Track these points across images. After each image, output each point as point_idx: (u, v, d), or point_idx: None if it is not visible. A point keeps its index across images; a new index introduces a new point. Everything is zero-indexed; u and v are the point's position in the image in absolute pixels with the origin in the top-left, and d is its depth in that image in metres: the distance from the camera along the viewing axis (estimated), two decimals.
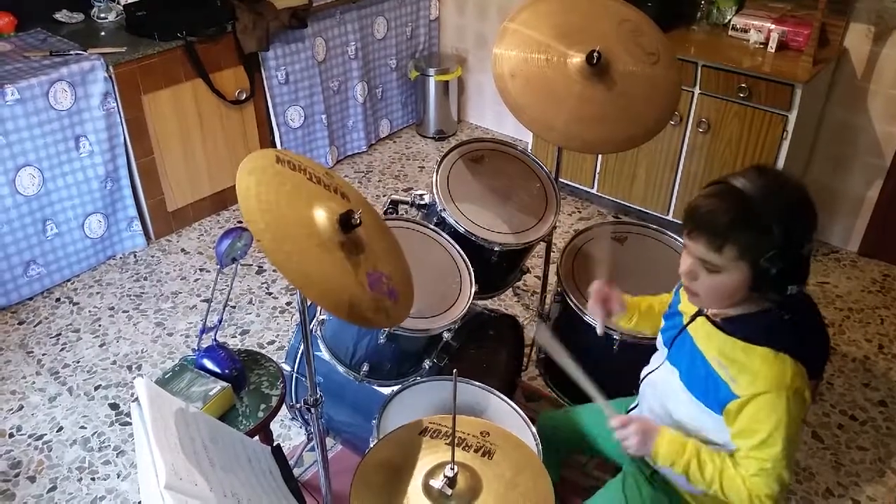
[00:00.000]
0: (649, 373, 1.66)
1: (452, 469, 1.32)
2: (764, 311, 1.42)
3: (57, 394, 2.74)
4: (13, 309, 3.14)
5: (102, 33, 3.33)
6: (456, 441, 1.42)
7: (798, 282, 1.36)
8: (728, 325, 1.45)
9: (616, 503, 1.71)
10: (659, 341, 1.67)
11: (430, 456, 1.41)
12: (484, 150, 2.36)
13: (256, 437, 1.91)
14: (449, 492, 1.31)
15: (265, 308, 3.15)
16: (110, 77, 3.09)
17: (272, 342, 2.97)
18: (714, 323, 1.48)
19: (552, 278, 2.46)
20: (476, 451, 1.42)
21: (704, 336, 1.50)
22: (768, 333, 1.40)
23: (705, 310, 1.52)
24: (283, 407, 2.03)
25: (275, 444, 1.73)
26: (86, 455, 2.51)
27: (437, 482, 1.32)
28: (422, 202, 2.26)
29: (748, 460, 1.42)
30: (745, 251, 1.33)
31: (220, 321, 2.06)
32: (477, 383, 1.92)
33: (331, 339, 2.06)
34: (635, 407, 1.73)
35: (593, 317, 1.82)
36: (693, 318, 1.55)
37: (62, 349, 2.95)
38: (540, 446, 1.74)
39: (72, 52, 3.07)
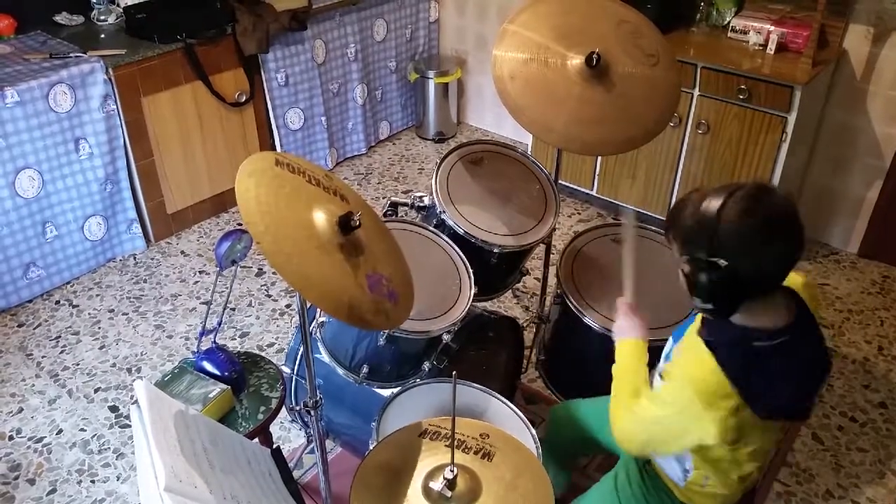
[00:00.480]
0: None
1: (452, 471, 1.31)
2: (743, 330, 1.40)
3: (56, 396, 2.74)
4: (13, 311, 3.14)
5: (102, 35, 3.33)
6: (455, 443, 1.42)
7: (730, 302, 1.37)
8: (705, 322, 1.47)
9: (608, 497, 1.72)
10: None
11: (430, 458, 1.41)
12: (483, 151, 2.36)
13: (256, 440, 1.90)
14: (449, 494, 1.31)
15: (265, 310, 3.15)
16: (110, 79, 3.10)
17: (272, 344, 2.97)
18: (703, 319, 1.50)
19: (552, 280, 2.46)
20: (476, 453, 1.42)
21: (693, 326, 1.52)
22: (725, 348, 1.37)
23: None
24: (283, 409, 2.03)
25: (274, 446, 1.73)
26: (85, 457, 2.50)
27: (437, 484, 1.32)
28: (421, 204, 2.26)
29: (635, 398, 1.53)
30: (681, 250, 1.40)
31: (219, 323, 2.06)
32: (477, 385, 1.92)
33: (330, 342, 2.06)
34: None
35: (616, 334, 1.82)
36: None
37: (62, 352, 2.94)
38: (540, 448, 1.74)
39: (71, 55, 3.07)
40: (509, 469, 1.39)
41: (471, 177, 2.28)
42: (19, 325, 3.08)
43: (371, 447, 1.56)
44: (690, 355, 1.42)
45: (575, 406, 1.99)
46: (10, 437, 2.58)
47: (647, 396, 1.51)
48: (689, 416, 1.38)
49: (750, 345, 1.38)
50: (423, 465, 1.39)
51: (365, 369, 2.01)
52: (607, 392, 1.92)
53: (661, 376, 1.52)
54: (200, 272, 3.39)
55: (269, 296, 3.23)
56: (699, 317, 1.52)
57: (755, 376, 1.36)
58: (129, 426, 2.60)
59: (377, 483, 1.38)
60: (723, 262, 1.32)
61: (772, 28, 3.13)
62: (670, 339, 1.65)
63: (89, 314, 3.14)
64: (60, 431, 2.60)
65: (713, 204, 1.34)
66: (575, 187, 3.78)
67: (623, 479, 1.72)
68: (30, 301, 3.20)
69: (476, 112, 4.66)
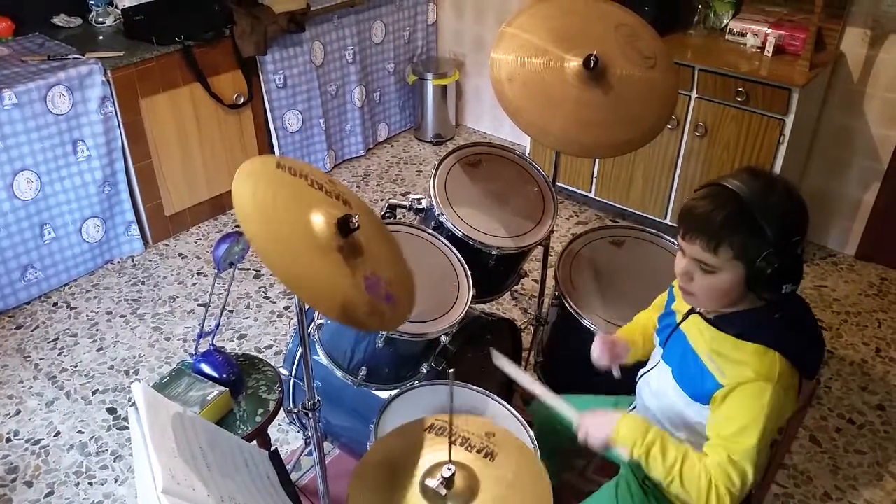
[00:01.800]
0: (646, 372, 1.67)
1: (450, 469, 1.32)
2: (757, 310, 1.44)
3: (54, 398, 2.73)
4: (10, 313, 3.14)
5: (100, 37, 3.34)
6: (459, 441, 1.42)
7: (792, 281, 1.38)
8: (721, 322, 1.47)
9: None
10: (654, 340, 1.68)
11: (432, 454, 1.41)
12: (481, 154, 2.36)
13: (254, 442, 1.90)
14: (444, 492, 1.31)
15: (263, 312, 3.15)
16: (108, 81, 3.10)
17: (270, 346, 2.97)
18: (707, 320, 1.50)
19: (550, 282, 2.47)
20: (479, 451, 1.42)
21: (697, 333, 1.51)
22: (760, 330, 1.42)
23: (698, 308, 1.54)
24: (281, 411, 2.03)
25: (272, 448, 1.72)
26: (83, 460, 2.50)
27: (433, 481, 1.32)
28: (419, 206, 2.26)
29: (717, 448, 1.41)
30: (740, 251, 1.35)
31: (217, 325, 2.06)
32: (475, 387, 1.92)
33: (329, 344, 2.06)
34: (633, 408, 1.74)
35: (601, 366, 1.77)
36: (686, 317, 1.56)
37: (59, 354, 2.94)
38: (538, 450, 1.73)
39: (70, 57, 3.07)
40: (510, 470, 1.39)
41: (469, 179, 2.28)
42: (17, 327, 3.07)
43: (370, 448, 1.56)
44: (741, 357, 1.40)
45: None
46: (8, 440, 2.57)
47: (725, 435, 1.40)
48: (781, 408, 1.40)
49: (772, 317, 1.42)
50: (424, 463, 1.39)
51: (363, 371, 2.01)
52: (606, 389, 1.91)
53: (708, 403, 1.45)
54: (198, 274, 3.39)
55: (267, 298, 3.23)
56: (695, 326, 1.52)
57: (792, 341, 1.41)
58: (127, 428, 2.60)
59: (375, 481, 1.38)
60: (792, 239, 1.34)
61: (769, 30, 3.14)
62: (658, 346, 1.66)
63: (87, 316, 3.13)
64: (58, 433, 2.60)
65: (757, 196, 1.33)
66: (573, 189, 3.79)
67: (624, 489, 1.71)
68: (27, 303, 3.19)
69: (474, 114, 4.67)
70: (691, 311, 1.55)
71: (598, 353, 1.76)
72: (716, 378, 1.42)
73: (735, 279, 1.38)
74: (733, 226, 1.34)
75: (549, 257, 2.60)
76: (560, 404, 1.61)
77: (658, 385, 1.59)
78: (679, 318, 1.58)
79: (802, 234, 1.38)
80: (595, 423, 1.51)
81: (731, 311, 1.46)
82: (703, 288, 1.42)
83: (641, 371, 1.70)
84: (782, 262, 1.34)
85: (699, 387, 1.46)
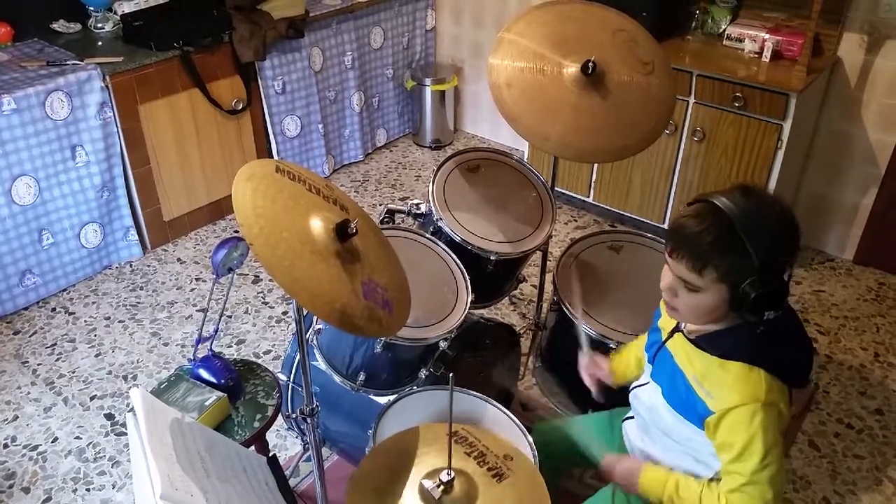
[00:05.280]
0: (636, 386, 1.67)
1: (448, 474, 1.31)
2: (738, 326, 1.43)
3: (52, 404, 2.73)
4: (8, 319, 3.13)
5: (99, 43, 3.34)
6: (475, 454, 1.42)
7: (775, 308, 1.37)
8: (704, 343, 1.47)
9: None
10: (644, 357, 1.69)
11: (436, 461, 1.40)
12: (480, 159, 2.36)
13: (252, 448, 1.90)
14: (437, 495, 1.30)
15: (261, 317, 3.15)
16: (107, 87, 3.10)
17: (268, 352, 2.97)
18: (691, 341, 1.50)
19: (548, 287, 2.47)
20: (490, 469, 1.41)
21: (683, 354, 1.51)
22: (743, 348, 1.41)
23: (682, 326, 1.54)
24: (280, 417, 2.02)
25: (271, 454, 1.72)
26: (81, 466, 2.49)
27: (429, 483, 1.32)
28: (418, 211, 2.26)
29: (728, 476, 1.43)
30: (725, 274, 1.34)
31: (215, 331, 2.06)
32: (473, 392, 1.92)
33: (327, 349, 2.06)
34: (630, 417, 1.73)
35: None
36: (671, 335, 1.56)
37: (57, 359, 2.94)
38: (537, 457, 1.73)
39: (68, 62, 3.07)
40: (514, 497, 1.37)
41: (467, 184, 2.29)
42: (15, 333, 3.07)
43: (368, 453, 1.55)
44: (727, 380, 1.40)
45: (559, 426, 1.92)
46: (5, 445, 2.57)
47: (729, 460, 1.41)
48: (776, 423, 1.39)
49: (755, 333, 1.41)
50: (425, 468, 1.39)
51: (362, 376, 2.01)
52: (604, 398, 1.91)
53: (701, 426, 1.45)
54: (197, 279, 3.38)
55: (266, 303, 3.23)
56: (680, 346, 1.52)
57: (776, 355, 1.40)
58: (125, 434, 2.59)
59: (374, 486, 1.38)
60: (779, 265, 1.34)
61: (767, 36, 3.15)
62: (647, 363, 1.66)
63: (85, 321, 3.13)
64: (56, 439, 2.59)
65: (747, 218, 1.31)
66: (571, 194, 3.79)
67: (620, 493, 1.71)
68: (26, 308, 3.19)
69: (473, 119, 4.68)
70: (675, 330, 1.55)
71: (582, 371, 1.84)
72: (706, 403, 1.42)
73: (718, 300, 1.38)
74: (720, 249, 1.33)
75: (548, 262, 2.60)
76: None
77: (650, 402, 1.60)
78: (664, 335, 1.58)
79: (790, 257, 1.37)
80: (622, 472, 1.61)
81: (714, 330, 1.46)
82: (686, 306, 1.43)
83: (633, 384, 1.70)
84: (766, 289, 1.33)
85: (690, 408, 1.47)
